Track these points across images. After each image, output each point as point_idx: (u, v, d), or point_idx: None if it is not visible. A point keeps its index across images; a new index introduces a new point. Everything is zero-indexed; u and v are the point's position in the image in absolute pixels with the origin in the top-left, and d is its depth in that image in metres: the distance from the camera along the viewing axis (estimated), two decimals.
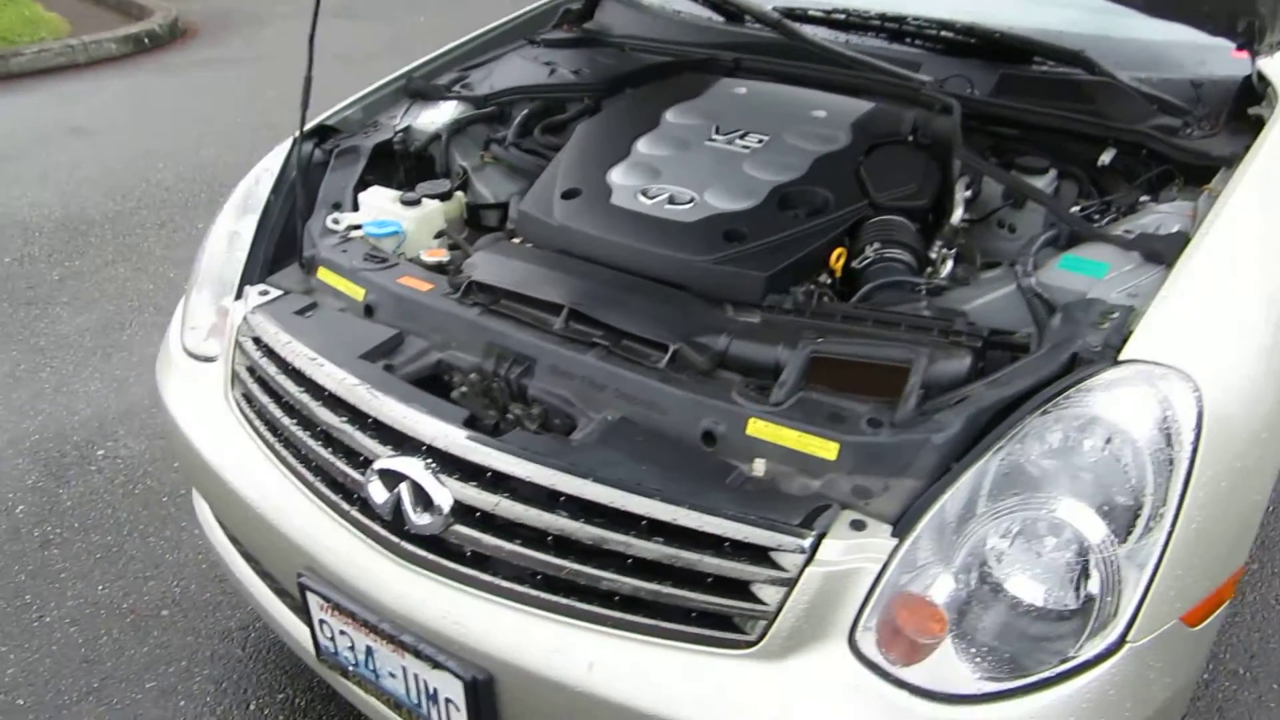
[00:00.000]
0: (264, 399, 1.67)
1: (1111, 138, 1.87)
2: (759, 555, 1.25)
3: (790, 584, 1.24)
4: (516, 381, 1.53)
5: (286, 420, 1.61)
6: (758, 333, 1.50)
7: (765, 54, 2.21)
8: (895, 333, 1.45)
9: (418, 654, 1.42)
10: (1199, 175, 1.77)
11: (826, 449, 1.33)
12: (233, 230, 1.96)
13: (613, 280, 1.63)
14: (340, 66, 5.72)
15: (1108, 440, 1.24)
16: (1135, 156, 1.86)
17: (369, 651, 1.51)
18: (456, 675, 1.39)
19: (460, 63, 2.38)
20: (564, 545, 1.34)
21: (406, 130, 2.15)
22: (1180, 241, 1.50)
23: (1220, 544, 1.28)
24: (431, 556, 1.42)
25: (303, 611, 1.64)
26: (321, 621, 1.56)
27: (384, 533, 1.46)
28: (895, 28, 2.18)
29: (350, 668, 1.56)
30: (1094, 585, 1.21)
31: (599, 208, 1.76)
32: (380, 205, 1.92)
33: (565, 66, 2.35)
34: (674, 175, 1.81)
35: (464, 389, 1.57)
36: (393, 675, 1.49)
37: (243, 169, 2.09)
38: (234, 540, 1.87)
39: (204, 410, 1.80)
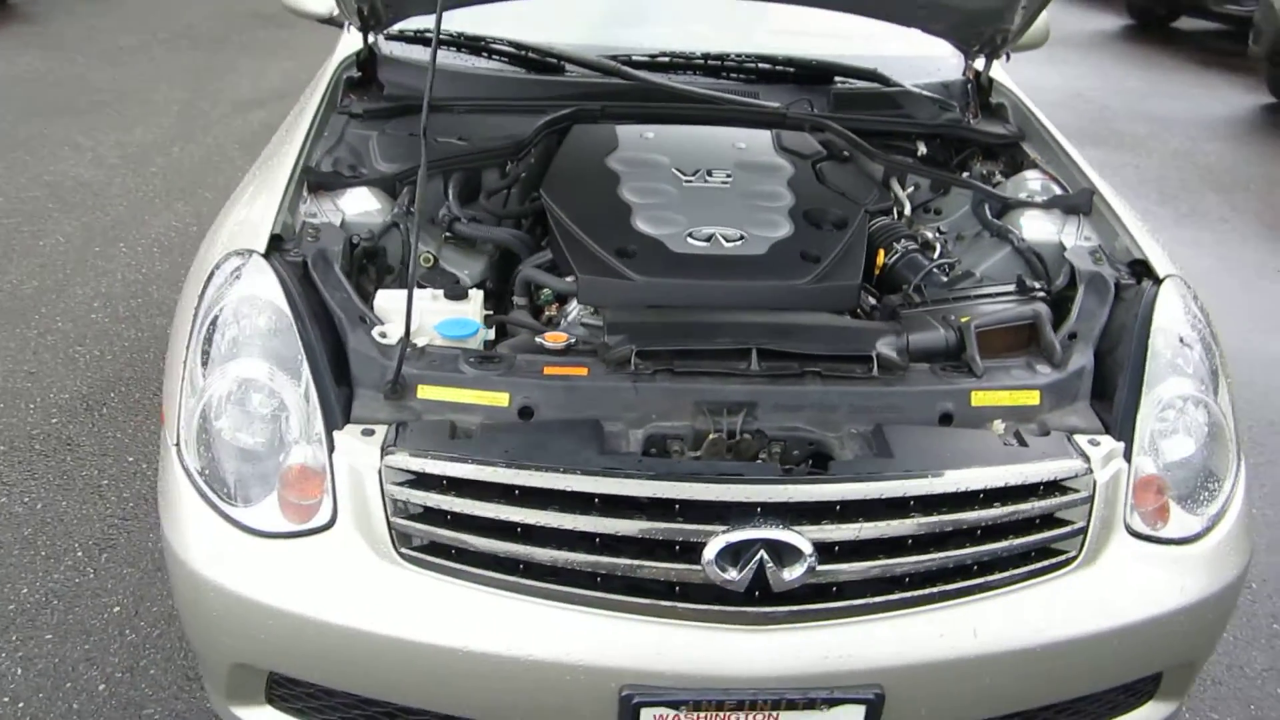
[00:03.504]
0: (482, 543, 1.46)
1: (923, 133, 2.42)
2: (1060, 488, 1.56)
3: (1089, 500, 1.56)
4: (743, 429, 1.58)
5: (541, 552, 1.45)
6: (916, 325, 1.75)
7: (620, 100, 2.35)
8: (994, 299, 1.83)
9: (810, 704, 1.45)
10: (991, 153, 2.42)
11: (1031, 397, 1.67)
12: (242, 379, 1.58)
13: (754, 316, 1.74)
14: None
15: (1183, 332, 1.77)
16: (932, 145, 2.45)
17: None
18: (858, 701, 1.46)
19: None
20: (919, 543, 1.49)
21: (343, 224, 1.91)
22: (1089, 196, 2.09)
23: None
24: (796, 608, 1.45)
25: None
26: None
27: (730, 608, 1.45)
28: (718, 65, 2.49)
29: None
30: (1216, 429, 1.72)
31: (667, 257, 1.82)
32: (420, 306, 1.71)
33: (432, 134, 2.22)
34: (696, 217, 1.92)
35: (695, 454, 1.57)
36: None
37: None
38: None
39: (349, 589, 1.49)
